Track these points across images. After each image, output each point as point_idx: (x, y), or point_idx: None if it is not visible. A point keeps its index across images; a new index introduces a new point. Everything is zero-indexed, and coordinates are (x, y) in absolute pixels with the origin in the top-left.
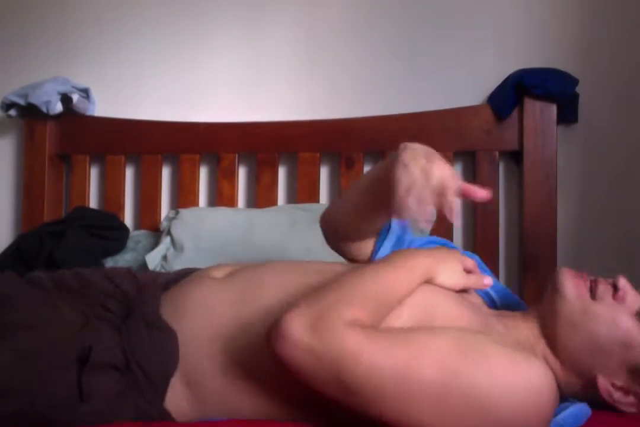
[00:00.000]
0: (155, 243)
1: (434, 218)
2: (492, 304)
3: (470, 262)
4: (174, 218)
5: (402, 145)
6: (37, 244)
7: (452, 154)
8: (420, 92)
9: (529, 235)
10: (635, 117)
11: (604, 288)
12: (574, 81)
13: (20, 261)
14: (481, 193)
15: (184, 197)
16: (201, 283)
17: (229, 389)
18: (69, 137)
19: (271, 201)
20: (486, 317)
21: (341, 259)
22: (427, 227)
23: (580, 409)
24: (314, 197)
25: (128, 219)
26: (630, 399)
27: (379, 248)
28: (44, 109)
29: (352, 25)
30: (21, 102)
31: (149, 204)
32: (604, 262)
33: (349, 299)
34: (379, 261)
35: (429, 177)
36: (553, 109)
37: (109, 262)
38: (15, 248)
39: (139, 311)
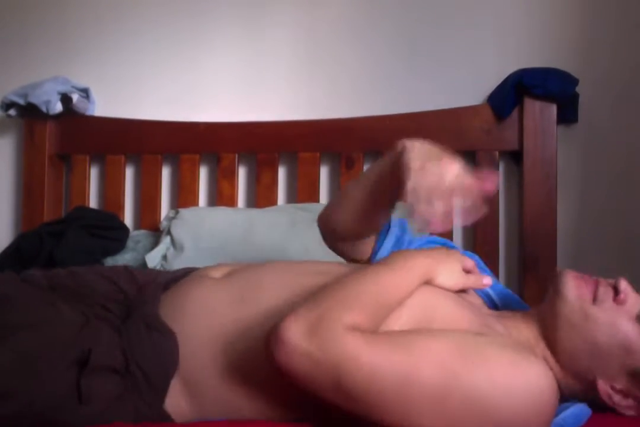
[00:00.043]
0: (155, 243)
1: (453, 218)
2: (492, 304)
3: (470, 262)
4: (173, 218)
5: (401, 143)
6: (37, 244)
7: None
8: (420, 92)
9: (529, 235)
10: (635, 117)
11: (604, 290)
12: (574, 81)
13: (20, 260)
14: (489, 184)
15: (184, 197)
16: (201, 283)
17: (229, 390)
18: (69, 137)
19: (271, 201)
20: (486, 318)
21: (340, 259)
22: (446, 228)
23: (580, 409)
24: (314, 197)
25: (128, 218)
26: (630, 402)
27: (379, 249)
28: (43, 109)
29: (352, 25)
30: (21, 101)
31: (149, 204)
32: (604, 262)
33: (348, 303)
34: (378, 262)
35: (444, 177)
36: (553, 109)
37: (109, 262)
38: (15, 248)
39: (139, 311)
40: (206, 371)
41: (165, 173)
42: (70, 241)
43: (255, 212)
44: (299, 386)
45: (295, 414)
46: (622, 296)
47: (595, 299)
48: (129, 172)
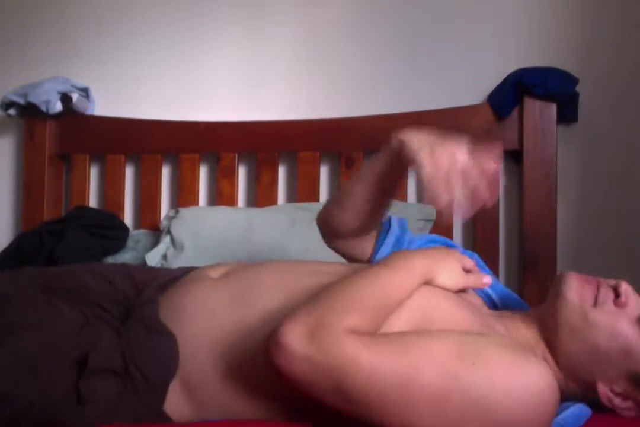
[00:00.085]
0: (155, 242)
1: (469, 203)
2: (492, 304)
3: (469, 261)
4: (173, 217)
5: (395, 138)
6: (37, 243)
7: None
8: (420, 92)
9: (529, 235)
10: (635, 116)
11: (605, 292)
12: (574, 80)
13: (20, 260)
14: (489, 164)
15: (183, 196)
16: (200, 284)
17: (228, 392)
18: (69, 137)
19: (271, 200)
20: (486, 318)
21: (340, 259)
22: (475, 209)
23: (580, 409)
24: (313, 197)
25: (128, 218)
26: (629, 404)
27: (379, 248)
28: (43, 109)
29: (352, 25)
30: (21, 101)
31: (149, 203)
32: (604, 262)
33: (347, 306)
34: (378, 263)
35: (456, 158)
36: (553, 108)
37: (109, 262)
38: (15, 247)
39: (138, 313)
40: (206, 372)
41: (165, 172)
42: (70, 240)
43: (255, 212)
44: (299, 389)
45: (294, 415)
46: (622, 298)
47: (596, 302)
48: (129, 172)
